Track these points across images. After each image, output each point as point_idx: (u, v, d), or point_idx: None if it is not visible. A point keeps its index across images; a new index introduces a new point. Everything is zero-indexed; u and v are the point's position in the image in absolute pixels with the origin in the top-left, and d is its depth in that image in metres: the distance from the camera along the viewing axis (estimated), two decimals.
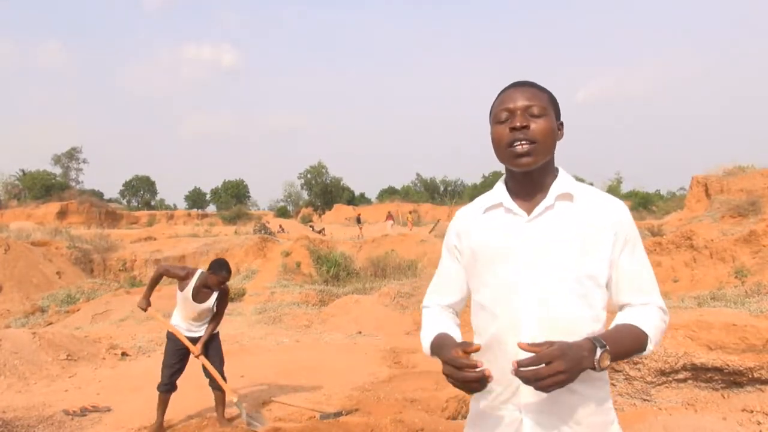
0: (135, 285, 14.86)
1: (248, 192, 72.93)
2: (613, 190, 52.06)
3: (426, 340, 1.46)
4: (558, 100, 1.42)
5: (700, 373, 4.38)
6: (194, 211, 64.78)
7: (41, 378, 5.96)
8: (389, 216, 31.72)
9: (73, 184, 61.66)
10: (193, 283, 4.20)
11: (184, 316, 4.33)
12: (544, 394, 1.25)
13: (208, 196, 74.23)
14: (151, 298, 4.39)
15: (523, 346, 1.20)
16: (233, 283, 12.60)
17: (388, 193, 63.44)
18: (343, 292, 12.60)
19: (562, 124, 1.43)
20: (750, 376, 4.18)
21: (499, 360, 1.32)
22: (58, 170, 62.81)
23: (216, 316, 4.37)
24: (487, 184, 55.52)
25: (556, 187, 1.37)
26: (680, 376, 4.45)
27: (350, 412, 4.68)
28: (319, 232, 28.81)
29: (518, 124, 1.33)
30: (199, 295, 4.22)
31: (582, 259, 1.32)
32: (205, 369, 4.35)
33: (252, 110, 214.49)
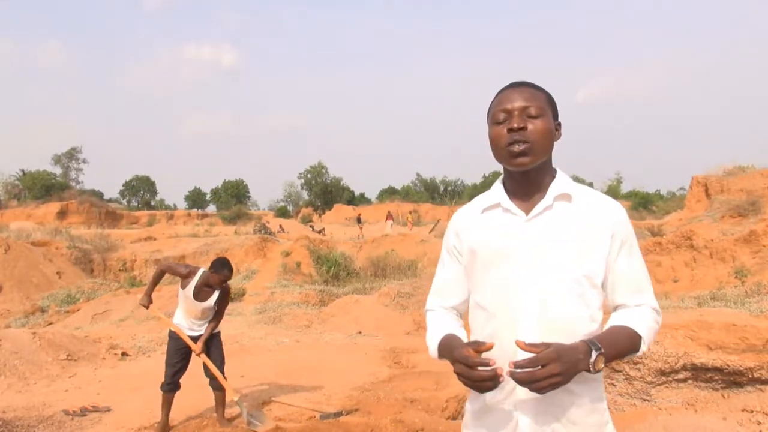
0: (135, 285, 14.84)
1: (248, 192, 73.06)
2: (613, 190, 52.07)
3: (432, 342, 1.46)
4: (556, 101, 1.43)
5: (700, 373, 4.38)
6: (194, 211, 64.80)
7: (41, 378, 5.96)
8: (389, 216, 31.69)
9: (73, 184, 61.66)
10: (194, 281, 4.20)
11: (186, 315, 4.34)
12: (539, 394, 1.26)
13: (208, 196, 74.29)
14: (151, 297, 4.40)
15: (520, 344, 1.21)
16: (233, 283, 12.59)
17: (388, 193, 63.45)
18: (343, 292, 12.58)
19: (559, 124, 1.43)
20: (750, 376, 4.17)
21: (495, 359, 1.32)
22: (58, 170, 62.92)
23: (217, 315, 4.38)
24: (487, 184, 55.47)
25: (554, 188, 1.38)
26: (680, 376, 4.44)
27: (350, 412, 4.68)
28: (319, 232, 28.81)
29: (515, 125, 1.33)
30: (200, 294, 4.23)
31: (580, 260, 1.32)
32: (205, 368, 4.36)
33: (252, 110, 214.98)
